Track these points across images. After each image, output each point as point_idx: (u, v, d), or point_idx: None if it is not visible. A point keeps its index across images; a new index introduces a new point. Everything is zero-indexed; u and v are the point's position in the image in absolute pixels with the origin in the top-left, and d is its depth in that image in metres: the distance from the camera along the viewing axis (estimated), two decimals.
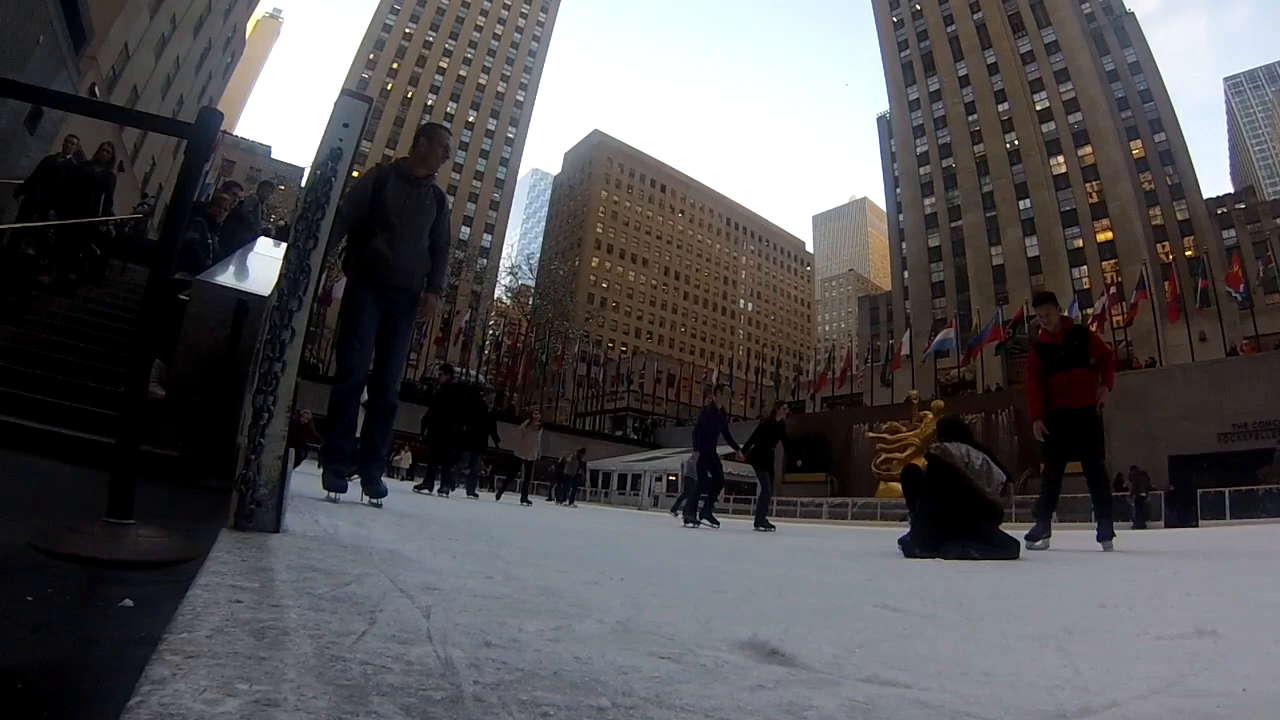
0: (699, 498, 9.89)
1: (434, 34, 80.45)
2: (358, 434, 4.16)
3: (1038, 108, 59.22)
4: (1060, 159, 56.81)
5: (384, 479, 4.03)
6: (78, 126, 12.19)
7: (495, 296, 68.82)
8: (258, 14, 73.07)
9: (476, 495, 11.82)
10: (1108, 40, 59.99)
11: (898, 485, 6.13)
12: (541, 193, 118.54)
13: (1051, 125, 57.96)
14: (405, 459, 24.47)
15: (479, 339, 44.66)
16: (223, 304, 3.52)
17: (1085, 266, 52.78)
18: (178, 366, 3.53)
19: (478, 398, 12.79)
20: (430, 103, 76.96)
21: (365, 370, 3.82)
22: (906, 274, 63.72)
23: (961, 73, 64.53)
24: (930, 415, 26.32)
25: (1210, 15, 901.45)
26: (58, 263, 7.35)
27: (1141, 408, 24.68)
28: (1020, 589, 2.69)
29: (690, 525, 9.19)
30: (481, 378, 43.61)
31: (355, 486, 3.85)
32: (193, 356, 3.48)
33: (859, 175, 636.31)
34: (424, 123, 4.48)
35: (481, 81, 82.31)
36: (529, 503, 12.56)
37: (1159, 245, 51.22)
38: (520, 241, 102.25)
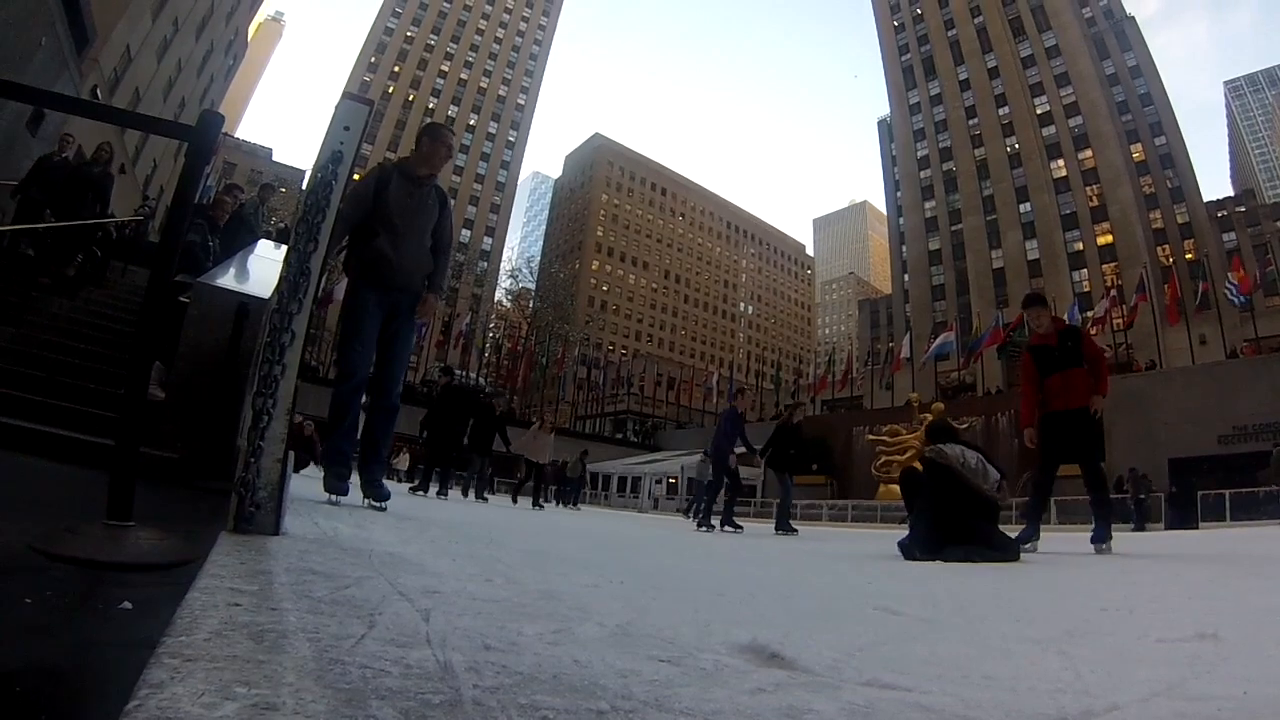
0: (712, 501, 9.73)
1: (435, 37, 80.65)
2: (358, 436, 4.16)
3: (1038, 111, 59.32)
4: (1060, 162, 56.90)
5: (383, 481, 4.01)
6: (78, 128, 12.20)
7: (496, 299, 68.87)
8: (260, 17, 73.27)
9: (486, 499, 11.65)
10: (1108, 44, 60.11)
11: (897, 488, 6.12)
12: (542, 196, 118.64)
13: (1052, 129, 58.06)
14: (403, 461, 24.47)
15: (479, 342, 44.68)
16: (223, 306, 3.53)
17: (1085, 269, 52.84)
18: (178, 368, 3.53)
19: (486, 401, 12.69)
20: (431, 106, 77.09)
21: (367, 372, 3.81)
22: (907, 277, 63.76)
23: (962, 76, 64.66)
24: (930, 418, 26.29)
25: (1211, 19, 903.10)
26: (55, 263, 7.32)
27: (1142, 410, 24.67)
28: (1021, 592, 2.69)
29: (705, 530, 9.00)
30: (482, 380, 43.63)
31: (356, 489, 3.84)
32: (193, 359, 3.48)
33: (859, 178, 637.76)
34: (428, 123, 4.47)
35: (482, 85, 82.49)
36: (541, 507, 12.30)
37: (1159, 248, 51.27)
38: (521, 244, 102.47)
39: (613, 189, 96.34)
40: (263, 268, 4.42)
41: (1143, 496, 18.42)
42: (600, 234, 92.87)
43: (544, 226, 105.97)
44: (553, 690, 0.85)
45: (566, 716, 0.76)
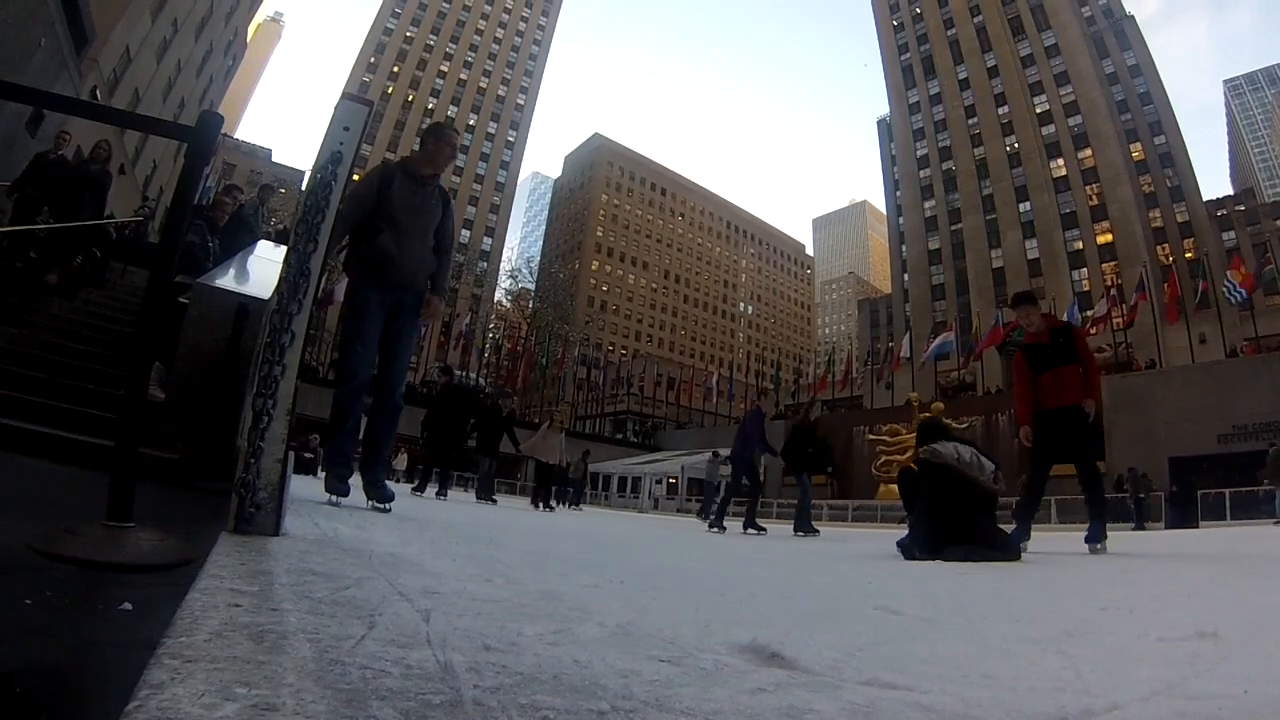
0: (727, 502, 9.65)
1: (435, 38, 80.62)
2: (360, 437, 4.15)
3: (1038, 110, 59.33)
4: (1060, 162, 56.91)
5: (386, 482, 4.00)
6: (76, 127, 12.20)
7: (495, 300, 68.85)
8: (259, 17, 73.30)
9: (494, 500, 11.46)
10: (1108, 43, 60.12)
11: (897, 488, 6.12)
12: (542, 196, 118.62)
13: (1051, 128, 58.06)
14: (401, 461, 24.48)
15: (479, 342, 44.65)
16: (223, 307, 3.53)
17: (1085, 269, 52.85)
18: (178, 369, 3.53)
19: (493, 401, 12.56)
20: (431, 106, 77.07)
21: (368, 373, 3.80)
22: (906, 277, 63.76)
23: (962, 76, 64.67)
24: (939, 416, 26.30)
25: (1211, 18, 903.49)
26: (56, 263, 7.27)
27: (1142, 409, 24.66)
28: (1021, 591, 2.69)
29: (717, 530, 8.93)
30: (482, 381, 43.62)
31: (357, 490, 3.83)
32: (193, 359, 3.48)
33: (859, 178, 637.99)
34: (431, 122, 4.46)
35: (482, 85, 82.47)
36: (552, 508, 11.96)
37: (1159, 247, 51.27)
38: (520, 245, 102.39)
39: (612, 189, 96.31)
40: (262, 268, 4.42)
41: (1142, 496, 18.42)
42: (600, 234, 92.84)
43: (544, 227, 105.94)
44: (553, 690, 0.85)
45: (567, 716, 0.76)
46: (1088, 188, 54.68)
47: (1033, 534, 5.15)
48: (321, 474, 4.78)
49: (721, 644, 1.20)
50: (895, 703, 0.91)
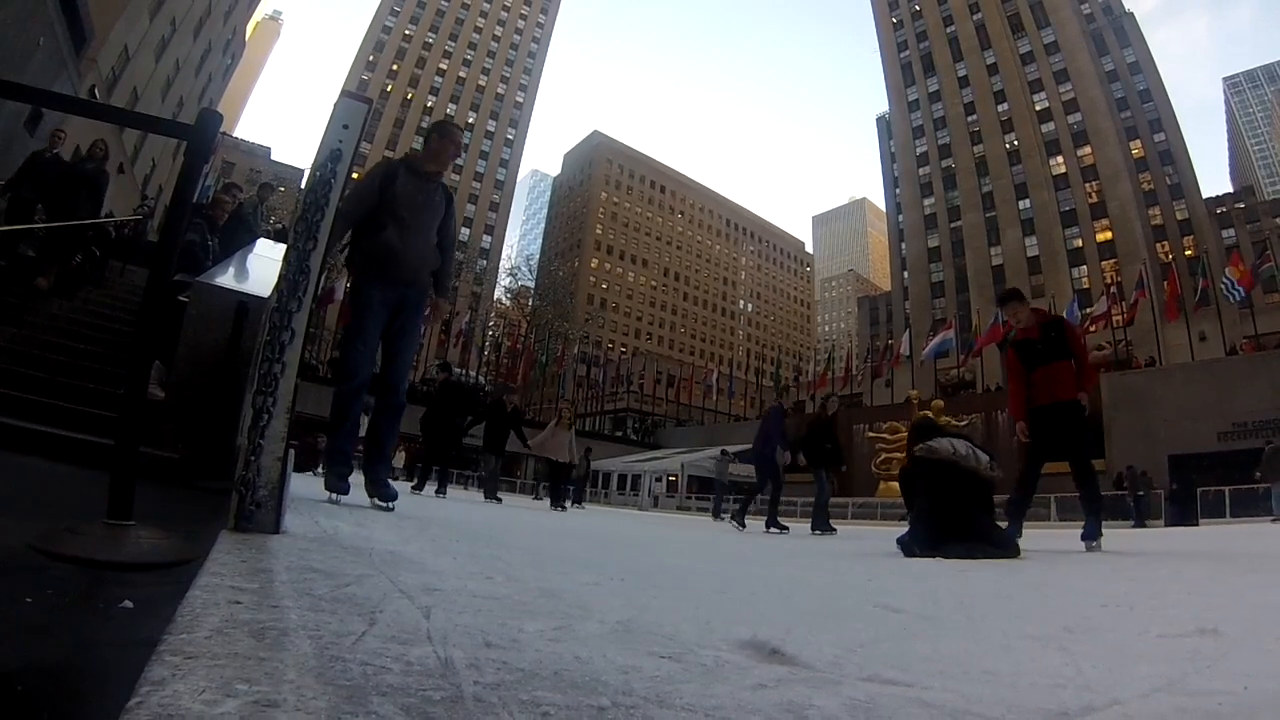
0: (748, 502, 9.56)
1: (433, 35, 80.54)
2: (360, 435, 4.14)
3: (1037, 108, 59.30)
4: (1060, 159, 56.90)
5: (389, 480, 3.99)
6: (73, 125, 12.18)
7: (495, 298, 68.84)
8: (257, 16, 73.24)
9: (499, 499, 11.14)
10: (1107, 40, 60.09)
11: (897, 485, 6.13)
12: (541, 194, 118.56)
13: (1051, 125, 58.04)
14: (399, 459, 24.47)
15: (479, 340, 44.64)
16: (223, 305, 3.52)
17: (1085, 266, 52.85)
18: (177, 368, 3.53)
19: (497, 398, 12.38)
20: (430, 104, 77.02)
21: (369, 372, 3.79)
22: (906, 274, 63.77)
23: (961, 73, 64.61)
24: (929, 415, 26.34)
25: (1211, 15, 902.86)
26: (50, 265, 7.21)
27: (1141, 407, 24.68)
28: (1021, 588, 2.69)
29: (737, 527, 8.90)
30: (482, 379, 43.59)
31: (357, 488, 3.83)
32: (192, 358, 3.48)
33: (859, 176, 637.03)
34: (437, 120, 4.46)
35: (481, 83, 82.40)
36: (563, 508, 11.59)
37: (1159, 245, 51.29)
38: (520, 243, 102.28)
39: (612, 187, 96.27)
40: (262, 266, 4.41)
41: (1141, 494, 18.43)
42: (599, 232, 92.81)
43: (543, 224, 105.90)
44: (554, 686, 0.85)
45: (568, 713, 0.76)
46: (1087, 185, 54.67)
47: (1033, 532, 5.13)
48: (322, 471, 4.78)
49: (722, 640, 1.20)
50: (896, 699, 0.91)
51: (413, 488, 10.21)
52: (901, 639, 1.43)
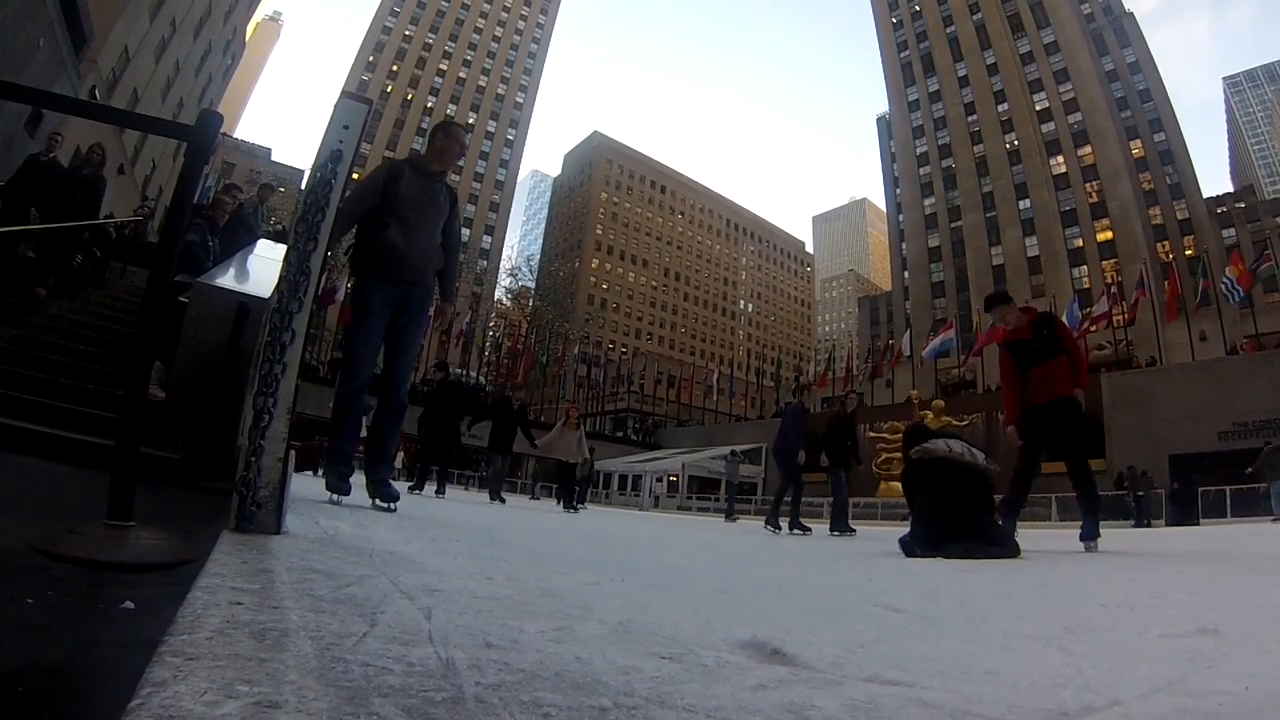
0: (779, 502, 9.26)
1: (433, 36, 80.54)
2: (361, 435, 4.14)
3: (1037, 108, 59.28)
4: (1060, 159, 56.87)
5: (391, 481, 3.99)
6: (74, 127, 12.18)
7: (495, 298, 68.85)
8: (257, 16, 73.18)
9: (503, 500, 10.93)
10: (1107, 40, 60.08)
11: (898, 485, 6.14)
12: (541, 194, 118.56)
13: (1051, 125, 58.02)
14: (399, 459, 24.46)
15: (479, 340, 44.66)
16: (223, 306, 3.52)
17: (1085, 266, 52.82)
18: (178, 369, 3.52)
19: (504, 395, 12.17)
20: (430, 105, 77.03)
21: (370, 373, 3.78)
22: (906, 274, 63.76)
23: (961, 73, 64.60)
24: (930, 415, 26.33)
25: (1211, 15, 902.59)
26: (47, 272, 7.13)
27: (1142, 407, 24.66)
28: (1021, 588, 2.69)
29: (771, 530, 8.70)
30: (482, 380, 43.59)
31: (358, 489, 3.83)
32: (193, 358, 3.48)
33: (859, 176, 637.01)
34: (441, 120, 4.46)
35: (481, 83, 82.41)
36: (575, 509, 11.29)
37: (1159, 244, 51.26)
38: (520, 243, 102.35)
39: (612, 187, 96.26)
40: (262, 267, 4.41)
41: (1140, 494, 18.43)
42: (600, 232, 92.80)
43: (543, 225, 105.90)
44: (555, 687, 0.85)
45: (569, 714, 0.76)
46: (1087, 185, 54.64)
47: (1033, 532, 5.12)
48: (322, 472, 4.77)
49: (723, 641, 1.20)
50: (896, 699, 0.91)
51: (410, 488, 10.16)
52: (902, 639, 1.43)
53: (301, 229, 2.12)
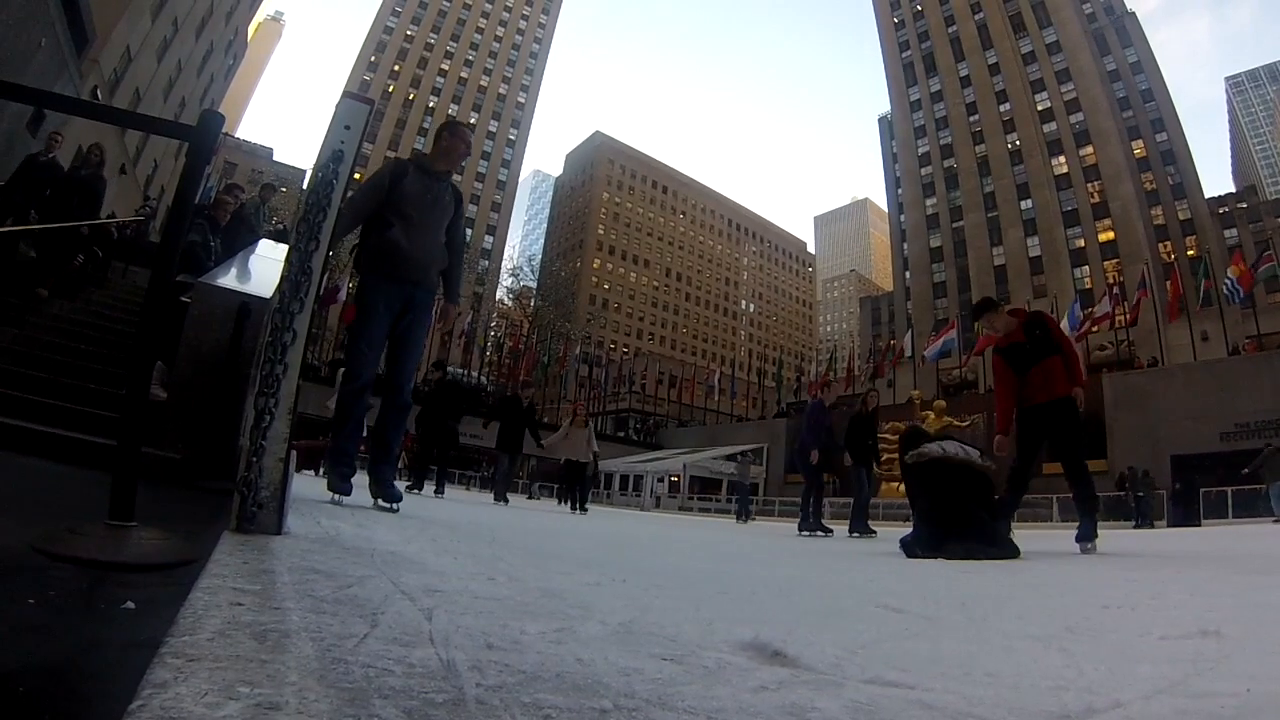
0: (808, 502, 9.04)
1: (435, 36, 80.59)
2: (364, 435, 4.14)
3: (1039, 108, 59.23)
4: (1062, 159, 56.81)
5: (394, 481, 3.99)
6: (76, 128, 12.18)
7: (497, 298, 68.89)
8: (259, 17, 73.21)
9: (507, 500, 10.68)
10: (1109, 40, 60.01)
11: (898, 485, 6.13)
12: (543, 194, 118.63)
13: (1053, 125, 57.97)
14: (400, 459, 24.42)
15: (481, 340, 44.69)
16: (225, 306, 3.53)
17: (1087, 266, 52.76)
18: (179, 369, 3.53)
19: (514, 393, 11.97)
20: (431, 105, 77.09)
21: (373, 373, 3.78)
22: (908, 274, 63.74)
23: (963, 73, 64.56)
24: (932, 415, 26.28)
25: (1213, 15, 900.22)
26: (48, 274, 7.10)
27: (1144, 407, 24.62)
28: (1022, 589, 2.69)
29: (807, 534, 8.55)
30: (484, 379, 43.60)
31: (359, 489, 3.83)
32: (194, 359, 3.48)
33: (860, 176, 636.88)
34: (447, 119, 4.46)
35: (483, 83, 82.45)
36: (585, 510, 11.03)
37: (1161, 245, 51.21)
38: (522, 243, 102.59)
39: (614, 187, 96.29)
40: (264, 267, 4.42)
41: (1140, 494, 18.40)
42: (601, 232, 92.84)
43: (545, 225, 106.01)
44: (556, 689, 0.85)
45: (569, 715, 0.76)
46: (1089, 185, 54.59)
47: (1034, 532, 5.11)
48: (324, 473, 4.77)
49: (724, 642, 1.20)
50: (898, 700, 0.91)
51: (408, 487, 10.10)
52: (903, 640, 1.42)
53: (303, 229, 2.12)
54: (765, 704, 0.86)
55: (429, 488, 10.10)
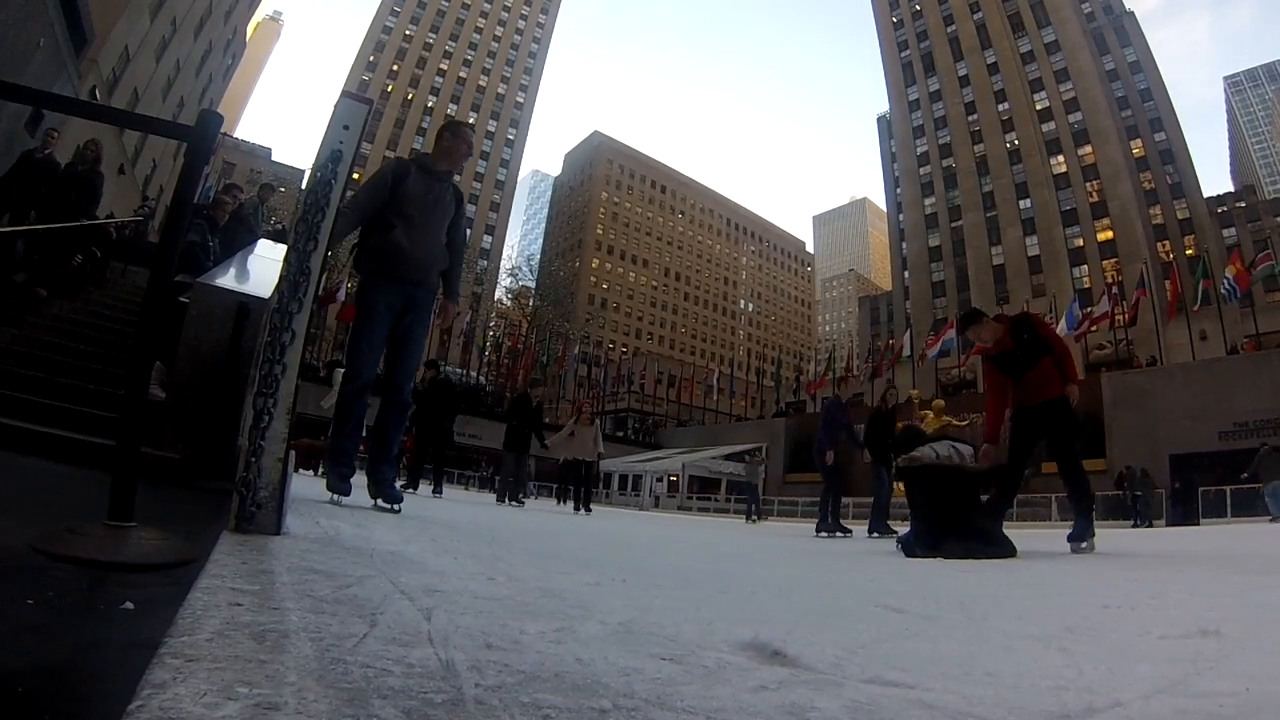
0: (827, 503, 8.82)
1: (434, 36, 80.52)
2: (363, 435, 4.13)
3: (1038, 107, 59.22)
4: (1060, 158, 56.81)
5: (394, 481, 3.98)
6: (76, 127, 12.16)
7: (496, 298, 68.85)
8: (258, 16, 73.14)
9: (522, 502, 10.54)
10: (1108, 40, 60.00)
11: (899, 485, 6.13)
12: (542, 194, 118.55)
13: (1052, 125, 57.96)
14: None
15: (479, 340, 44.70)
16: (223, 306, 3.52)
17: (1086, 266, 52.76)
18: (178, 369, 3.53)
19: (522, 391, 11.82)
20: (430, 104, 77.03)
21: (373, 373, 3.78)
22: (907, 274, 63.72)
23: (961, 73, 64.55)
24: (931, 415, 26.29)
25: (1212, 14, 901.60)
26: (47, 273, 7.06)
27: (1142, 406, 24.65)
28: (1022, 589, 2.69)
29: (835, 535, 8.43)
30: (482, 379, 43.59)
31: (359, 489, 3.82)
32: (193, 359, 3.48)
33: (859, 175, 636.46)
34: (449, 119, 4.46)
35: (481, 83, 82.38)
36: (589, 510, 10.79)
37: (1160, 244, 51.20)
38: (521, 243, 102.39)
39: (612, 187, 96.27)
40: (263, 267, 4.41)
41: (1139, 494, 18.41)
42: (600, 232, 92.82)
43: (544, 224, 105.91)
44: (555, 689, 0.85)
45: (569, 715, 0.76)
46: (1088, 184, 54.59)
47: (1034, 532, 5.12)
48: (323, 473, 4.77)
49: (724, 642, 1.20)
50: (898, 700, 0.91)
51: (402, 486, 10.01)
52: (903, 640, 1.42)
53: (302, 229, 2.11)
54: (765, 704, 0.86)
55: (425, 488, 10.07)
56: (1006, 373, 4.90)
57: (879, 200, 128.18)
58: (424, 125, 73.76)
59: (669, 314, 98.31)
